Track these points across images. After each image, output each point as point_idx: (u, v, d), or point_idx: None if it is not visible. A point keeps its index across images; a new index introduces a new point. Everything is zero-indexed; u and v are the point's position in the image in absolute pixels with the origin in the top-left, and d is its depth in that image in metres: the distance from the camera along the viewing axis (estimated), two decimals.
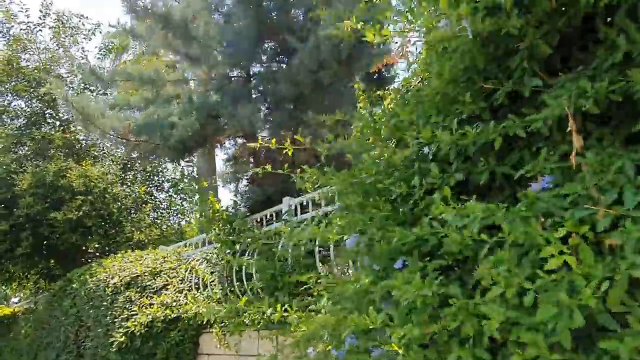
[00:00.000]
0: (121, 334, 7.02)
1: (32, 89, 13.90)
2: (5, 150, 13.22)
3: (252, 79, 6.96)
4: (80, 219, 10.68)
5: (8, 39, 14.66)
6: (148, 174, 16.10)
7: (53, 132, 14.36)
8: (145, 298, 7.36)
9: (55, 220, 10.70)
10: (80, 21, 15.89)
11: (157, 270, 8.02)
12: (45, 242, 11.50)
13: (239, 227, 7.03)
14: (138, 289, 7.69)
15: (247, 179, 7.83)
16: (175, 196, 16.77)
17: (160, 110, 6.81)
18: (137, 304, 7.34)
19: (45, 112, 14.70)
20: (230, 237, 7.02)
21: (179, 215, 17.31)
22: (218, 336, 6.39)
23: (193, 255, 8.09)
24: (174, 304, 6.98)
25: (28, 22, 14.74)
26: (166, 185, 16.83)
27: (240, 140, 8.17)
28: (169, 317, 6.84)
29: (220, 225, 7.09)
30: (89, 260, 12.19)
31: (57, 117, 14.93)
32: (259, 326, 5.49)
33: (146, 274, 7.99)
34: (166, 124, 6.47)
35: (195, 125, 6.36)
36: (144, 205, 13.24)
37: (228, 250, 6.94)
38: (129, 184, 13.21)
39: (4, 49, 14.47)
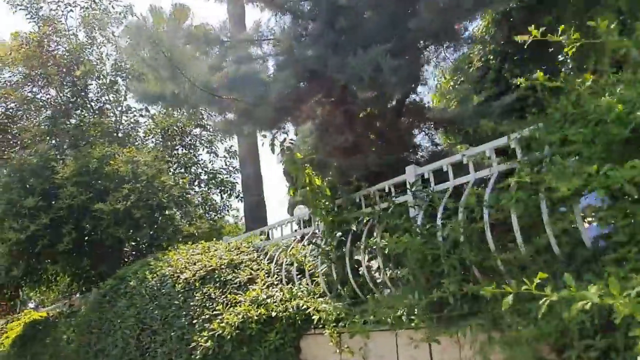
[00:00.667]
0: (205, 337, 5.79)
1: (63, 74, 12.80)
2: (37, 140, 12.13)
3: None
4: (129, 210, 9.50)
5: (37, 20, 13.59)
6: (184, 165, 14.95)
7: (86, 121, 13.28)
8: (230, 294, 6.14)
9: (100, 211, 9.52)
10: (110, 4, 14.78)
11: (236, 261, 6.81)
12: (87, 237, 10.33)
13: (348, 204, 5.81)
14: (217, 284, 6.50)
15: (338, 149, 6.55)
16: (214, 190, 15.60)
17: (246, 67, 5.59)
18: (219, 302, 6.14)
19: (77, 99, 13.61)
20: (338, 217, 5.77)
21: (211, 212, 16.11)
22: (334, 339, 5.13)
23: (283, 241, 6.86)
24: (268, 300, 5.74)
25: (59, 1, 13.67)
26: (204, 176, 15.67)
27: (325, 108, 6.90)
28: (264, 316, 5.59)
29: (323, 204, 5.84)
30: (133, 257, 11.04)
31: (89, 105, 13.86)
32: (412, 324, 4.23)
33: (223, 266, 6.78)
34: (259, 79, 5.25)
35: (291, 81, 5.12)
36: (188, 196, 12.06)
37: (339, 233, 5.71)
38: (170, 173, 12.00)
39: (34, 31, 13.38)
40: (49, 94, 13.84)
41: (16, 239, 9.49)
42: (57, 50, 13.64)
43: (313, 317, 5.22)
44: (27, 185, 9.97)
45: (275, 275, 6.50)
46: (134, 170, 9.88)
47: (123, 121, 14.73)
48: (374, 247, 5.04)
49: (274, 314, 5.63)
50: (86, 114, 13.94)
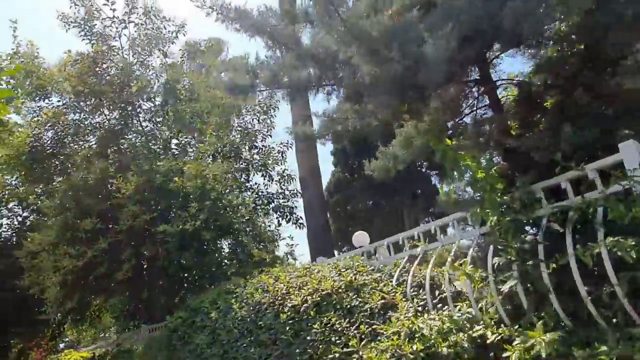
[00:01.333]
0: None
1: (117, 92, 11.98)
2: (88, 162, 11.14)
3: None
4: (198, 232, 8.23)
5: (90, 37, 12.98)
6: (239, 188, 13.78)
7: (137, 144, 12.34)
8: (362, 324, 4.69)
9: (164, 234, 8.27)
10: (162, 23, 14.13)
11: (357, 283, 5.39)
12: (146, 264, 9.06)
13: (527, 198, 4.45)
14: (340, 312, 5.04)
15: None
16: (271, 215, 14.27)
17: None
18: (350, 335, 4.68)
19: (129, 121, 12.74)
20: (520, 214, 4.39)
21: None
22: None
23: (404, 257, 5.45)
24: (425, 331, 4.27)
25: (113, 17, 13.09)
26: (258, 201, 14.39)
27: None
28: (423, 353, 4.14)
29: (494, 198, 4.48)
30: (196, 288, 9.67)
31: (140, 127, 12.97)
32: None
33: (341, 289, 5.36)
34: (416, 36, 4.02)
35: (452, 43, 3.88)
36: (255, 214, 10.79)
37: (527, 237, 4.28)
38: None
39: (87, 49, 12.75)
40: (101, 115, 13.02)
41: (72, 267, 8.28)
42: (111, 69, 12.92)
43: (505, 355, 3.73)
44: (83, 207, 8.84)
45: (415, 300, 5.03)
46: (204, 184, 8.66)
47: (173, 144, 13.80)
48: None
49: (439, 349, 4.13)
50: (137, 136, 13.04)
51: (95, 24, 13.26)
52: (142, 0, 13.91)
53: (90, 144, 12.89)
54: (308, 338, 5.08)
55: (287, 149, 15.28)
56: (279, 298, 5.89)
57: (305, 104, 13.38)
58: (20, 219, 11.50)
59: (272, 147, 15.45)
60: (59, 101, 13.88)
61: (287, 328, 5.43)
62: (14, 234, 11.00)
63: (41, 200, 10.53)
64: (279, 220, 14.16)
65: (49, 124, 12.74)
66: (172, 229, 8.43)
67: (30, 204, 11.10)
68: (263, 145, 15.37)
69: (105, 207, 8.99)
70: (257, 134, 15.35)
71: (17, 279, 10.08)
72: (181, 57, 14.94)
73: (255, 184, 15.08)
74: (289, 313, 5.55)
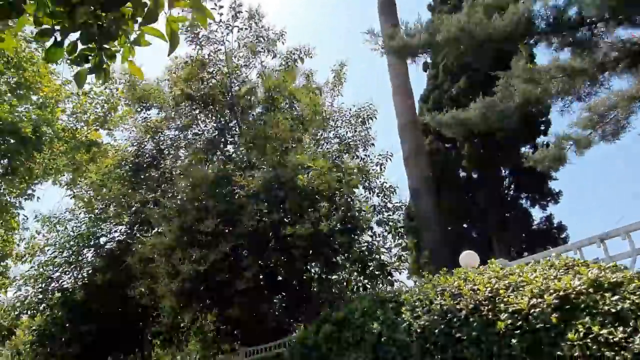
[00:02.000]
0: None
1: (223, 95, 11.49)
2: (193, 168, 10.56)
3: None
4: (332, 235, 7.13)
5: (197, 42, 12.76)
6: None
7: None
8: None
9: (294, 237, 7.25)
10: (263, 29, 13.75)
11: (606, 281, 3.97)
12: (268, 273, 8.06)
13: None
14: (598, 317, 3.66)
15: None
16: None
17: None
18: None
19: (233, 127, 12.22)
20: None
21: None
22: None
23: None
24: None
25: (220, 22, 12.85)
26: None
27: None
28: None
29: None
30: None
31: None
32: None
33: (583, 290, 3.96)
34: None
35: None
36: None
37: None
38: None
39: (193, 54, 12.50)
40: (204, 122, 12.62)
41: (191, 272, 7.42)
42: (217, 73, 12.57)
43: None
44: (203, 207, 8.07)
45: None
46: (339, 180, 7.64)
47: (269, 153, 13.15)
48: None
49: None
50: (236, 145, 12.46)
51: (201, 30, 13.10)
52: (246, 4, 13.70)
53: (189, 153, 12.47)
54: (559, 354, 3.72)
55: (387, 160, 14.23)
56: (485, 302, 4.58)
57: None
58: (125, 229, 11.10)
59: (371, 158, 14.43)
60: (158, 113, 13.79)
61: (513, 340, 4.08)
62: (120, 243, 10.54)
63: (148, 209, 10.01)
64: (383, 234, 12.88)
65: (150, 135, 12.53)
66: (303, 230, 7.40)
67: (138, 212, 10.63)
68: (365, 155, 14.38)
69: (226, 207, 8.17)
70: (357, 144, 14.41)
71: (120, 292, 9.49)
72: (280, 65, 14.48)
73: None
74: (508, 321, 4.22)
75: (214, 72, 12.45)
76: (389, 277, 8.28)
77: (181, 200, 8.47)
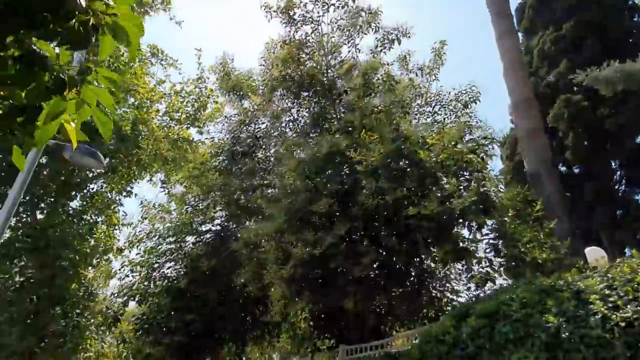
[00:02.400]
0: None
1: (320, 77, 10.76)
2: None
3: None
4: (463, 215, 5.97)
5: (292, 24, 12.20)
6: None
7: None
8: None
9: (418, 218, 6.18)
10: (358, 10, 12.89)
11: None
12: (382, 260, 7.05)
13: None
14: None
15: None
16: None
17: None
18: None
19: (328, 110, 11.45)
20: None
21: None
22: None
23: None
24: None
25: (316, 1, 12.21)
26: None
27: None
28: None
29: None
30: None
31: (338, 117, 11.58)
32: None
33: None
34: None
35: None
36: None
37: None
38: None
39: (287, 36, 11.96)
40: (301, 106, 12.00)
41: (304, 257, 6.62)
42: (314, 55, 11.95)
43: None
44: (314, 187, 7.29)
45: None
46: (468, 153, 6.53)
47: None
48: None
49: None
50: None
51: (295, 12, 12.58)
52: None
53: (288, 137, 11.87)
54: None
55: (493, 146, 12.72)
56: None
57: None
58: (225, 217, 10.72)
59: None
60: (252, 102, 13.48)
61: None
62: (221, 231, 10.16)
63: (249, 196, 9.49)
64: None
65: (245, 123, 12.16)
66: (430, 209, 6.35)
67: (237, 200, 10.17)
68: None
69: (339, 187, 7.34)
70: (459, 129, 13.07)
71: (224, 281, 9.02)
72: (377, 46, 13.58)
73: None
74: None
75: (310, 53, 11.83)
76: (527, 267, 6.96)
77: (289, 182, 7.78)
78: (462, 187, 6.66)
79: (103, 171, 19.12)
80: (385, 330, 11.99)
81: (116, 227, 19.76)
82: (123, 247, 18.14)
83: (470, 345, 5.35)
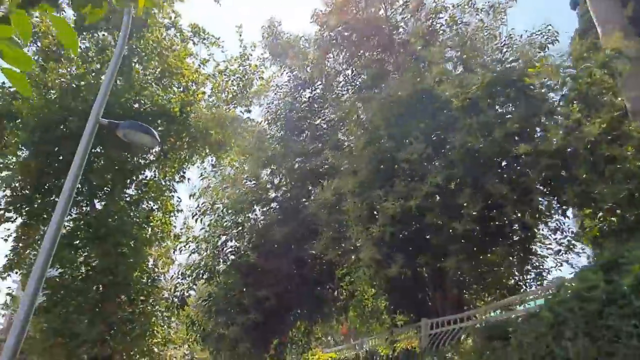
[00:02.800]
0: None
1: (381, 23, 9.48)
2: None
3: None
4: (593, 147, 4.64)
5: None
6: None
7: None
8: None
9: (531, 155, 4.89)
10: None
11: None
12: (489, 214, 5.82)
13: None
14: None
15: None
16: None
17: None
18: None
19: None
20: None
21: None
22: None
23: None
24: None
25: None
26: None
27: None
28: None
29: None
30: None
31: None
32: None
33: None
34: None
35: None
36: None
37: None
38: None
39: None
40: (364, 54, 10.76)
41: (397, 211, 5.49)
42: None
43: None
44: (399, 131, 6.13)
45: None
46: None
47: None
48: None
49: None
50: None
51: None
52: None
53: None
54: None
55: None
56: None
57: None
58: (292, 184, 9.76)
59: None
60: (303, 66, 12.45)
61: None
62: (290, 199, 9.22)
63: (315, 158, 8.46)
64: None
65: (300, 88, 11.14)
66: (546, 144, 5.07)
67: (302, 164, 9.19)
68: None
69: (431, 128, 6.16)
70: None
71: (297, 252, 8.11)
72: None
73: None
74: None
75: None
76: None
77: (368, 128, 6.68)
78: (588, 115, 5.32)
79: (155, 157, 18.81)
80: (470, 302, 10.78)
81: (172, 214, 19.44)
82: (180, 234, 17.77)
83: (636, 301, 4.10)
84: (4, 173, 15.18)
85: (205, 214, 8.83)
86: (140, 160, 18.00)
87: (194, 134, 17.22)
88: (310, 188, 8.43)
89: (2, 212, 15.34)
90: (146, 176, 18.59)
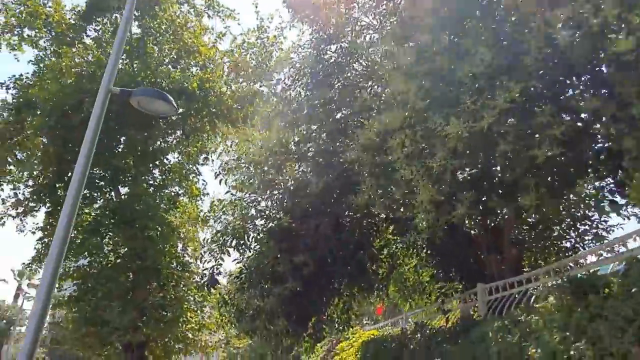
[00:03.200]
0: None
1: None
2: None
3: None
4: None
5: None
6: None
7: None
8: None
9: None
10: None
11: None
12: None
13: None
14: None
15: None
16: None
17: None
18: None
19: None
20: None
21: None
22: None
23: None
24: None
25: None
26: None
27: None
28: None
29: None
30: None
31: None
32: None
33: None
34: None
35: None
36: None
37: None
38: None
39: None
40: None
41: (462, 135, 4.28)
42: None
43: None
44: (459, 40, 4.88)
45: None
46: None
47: None
48: None
49: None
50: None
51: None
52: None
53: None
54: None
55: None
56: None
57: None
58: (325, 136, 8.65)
59: None
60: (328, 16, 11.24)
61: None
62: (325, 151, 8.08)
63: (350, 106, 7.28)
64: None
65: (326, 43, 9.97)
66: None
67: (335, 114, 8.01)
68: None
69: (498, 36, 4.89)
70: None
71: (335, 209, 6.99)
72: None
73: None
74: None
75: None
76: None
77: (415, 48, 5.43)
78: None
79: (177, 140, 18.00)
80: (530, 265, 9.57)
81: (198, 198, 18.60)
82: (207, 217, 16.95)
83: None
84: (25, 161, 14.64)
85: (230, 173, 7.77)
86: (162, 144, 17.26)
87: (214, 112, 16.31)
88: (346, 137, 7.27)
89: (26, 202, 14.87)
90: (170, 160, 17.89)
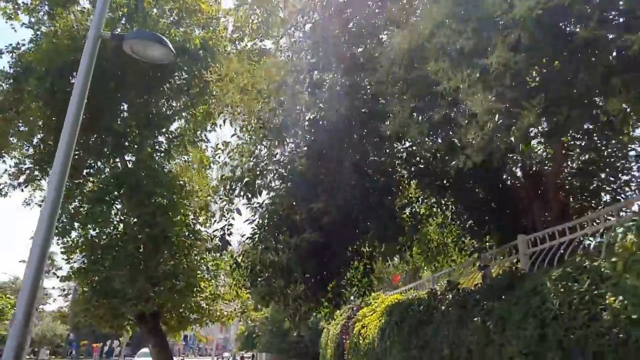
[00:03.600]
0: None
1: None
2: None
3: None
4: None
5: None
6: None
7: None
8: None
9: None
10: None
11: None
12: None
13: None
14: None
15: None
16: None
17: None
18: None
19: None
20: None
21: None
22: None
23: None
24: None
25: None
26: None
27: None
28: None
29: None
30: None
31: None
32: None
33: None
34: None
35: None
36: None
37: None
38: None
39: None
40: None
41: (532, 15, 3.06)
42: None
43: None
44: None
45: None
46: None
47: None
48: None
49: None
50: None
51: None
52: None
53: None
54: None
55: None
56: None
57: None
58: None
59: None
60: None
61: None
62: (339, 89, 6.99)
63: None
64: None
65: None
66: None
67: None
68: None
69: None
70: None
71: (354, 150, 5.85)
72: None
73: None
74: None
75: None
76: None
77: None
78: None
79: (182, 106, 16.92)
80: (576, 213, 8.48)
81: (207, 167, 17.60)
82: (217, 188, 15.97)
83: None
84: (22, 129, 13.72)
85: (235, 120, 6.64)
86: (167, 111, 16.21)
87: (220, 74, 15.14)
88: (365, 71, 6.09)
89: (27, 171, 14.02)
90: (176, 128, 16.88)
